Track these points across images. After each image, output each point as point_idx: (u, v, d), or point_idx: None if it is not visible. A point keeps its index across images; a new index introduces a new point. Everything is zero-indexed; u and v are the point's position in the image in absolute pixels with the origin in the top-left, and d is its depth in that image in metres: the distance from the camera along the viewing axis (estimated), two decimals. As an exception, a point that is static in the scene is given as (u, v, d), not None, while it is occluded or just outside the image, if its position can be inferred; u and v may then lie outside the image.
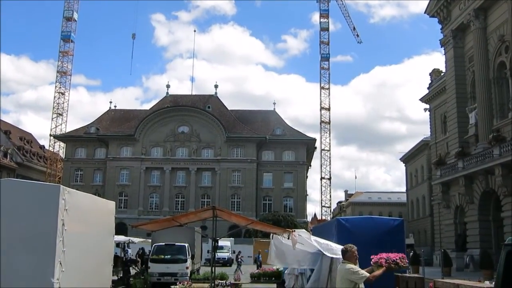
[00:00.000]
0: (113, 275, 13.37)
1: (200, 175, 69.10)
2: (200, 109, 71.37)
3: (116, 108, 79.03)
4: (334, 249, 10.64)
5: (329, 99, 74.15)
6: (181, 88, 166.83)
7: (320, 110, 73.81)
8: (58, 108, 72.35)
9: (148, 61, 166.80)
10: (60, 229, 7.52)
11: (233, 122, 71.48)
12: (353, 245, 7.29)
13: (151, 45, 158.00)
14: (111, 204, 10.96)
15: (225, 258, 45.08)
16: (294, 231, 11.41)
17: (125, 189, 68.83)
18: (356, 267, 7.04)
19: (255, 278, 27.07)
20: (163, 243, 23.37)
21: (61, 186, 7.85)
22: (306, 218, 68.87)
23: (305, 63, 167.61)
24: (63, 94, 72.83)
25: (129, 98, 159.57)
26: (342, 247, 7.58)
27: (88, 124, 74.70)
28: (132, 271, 23.87)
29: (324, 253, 10.97)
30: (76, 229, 8.16)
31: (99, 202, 10.46)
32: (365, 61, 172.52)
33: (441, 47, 39.42)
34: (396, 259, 7.60)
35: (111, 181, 68.57)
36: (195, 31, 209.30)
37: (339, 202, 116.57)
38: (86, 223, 9.07)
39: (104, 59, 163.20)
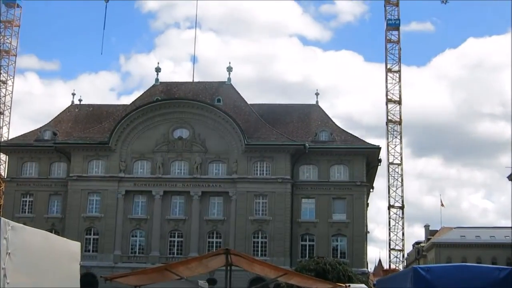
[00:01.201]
0: None
1: (207, 203, 69.24)
2: (206, 103, 71.67)
3: (82, 103, 79.99)
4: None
5: (400, 87, 73.85)
6: (177, 72, 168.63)
7: (387, 104, 73.54)
8: (-3, 104, 73.57)
9: (129, 34, 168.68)
10: (1, 282, 7.57)
11: (255, 122, 71.59)
12: None
13: (133, 10, 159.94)
14: (75, 246, 11.04)
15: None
16: (349, 286, 11.39)
17: (96, 224, 69.31)
18: None
19: None
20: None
21: (2, 218, 7.93)
22: (367, 267, 68.32)
23: (362, 34, 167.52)
24: (4, 83, 74.00)
25: (100, 89, 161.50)
26: None
27: (41, 127, 75.47)
28: None
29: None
30: (23, 281, 8.22)
31: (58, 242, 10.54)
32: (452, 31, 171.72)
33: None
34: None
35: (74, 211, 69.07)
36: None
37: (417, 242, 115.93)
38: (38, 273, 9.14)
39: (64, 31, 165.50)
